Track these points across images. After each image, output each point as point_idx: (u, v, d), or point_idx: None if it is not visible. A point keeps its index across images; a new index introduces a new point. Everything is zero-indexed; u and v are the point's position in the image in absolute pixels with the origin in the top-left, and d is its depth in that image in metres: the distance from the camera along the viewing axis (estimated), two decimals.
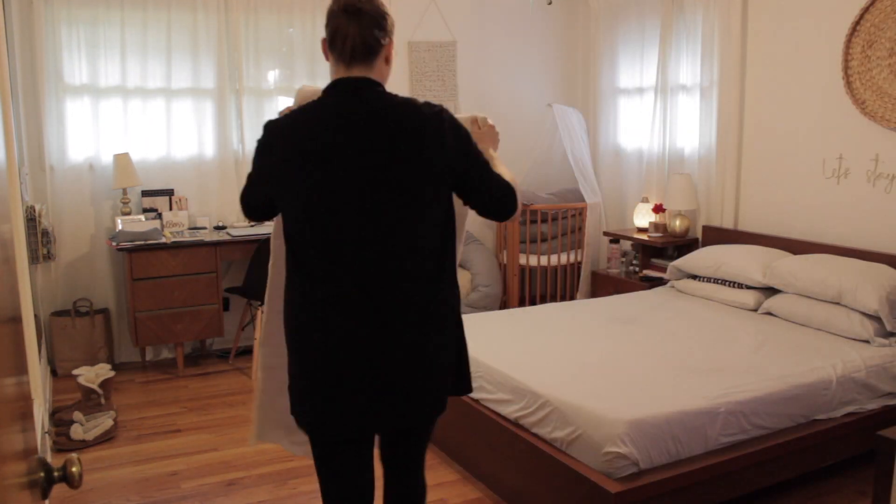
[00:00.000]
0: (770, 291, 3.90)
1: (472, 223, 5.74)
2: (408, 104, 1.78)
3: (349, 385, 1.78)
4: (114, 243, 4.33)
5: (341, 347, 1.77)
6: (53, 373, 4.47)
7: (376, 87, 1.80)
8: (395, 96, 1.80)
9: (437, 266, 1.83)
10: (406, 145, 1.74)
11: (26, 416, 1.11)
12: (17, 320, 1.14)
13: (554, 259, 5.32)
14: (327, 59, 1.85)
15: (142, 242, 4.32)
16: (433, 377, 1.86)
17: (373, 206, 1.74)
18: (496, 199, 1.85)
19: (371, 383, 1.78)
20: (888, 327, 3.34)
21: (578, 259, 5.42)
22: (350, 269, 1.75)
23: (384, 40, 1.80)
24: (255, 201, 1.91)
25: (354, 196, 1.73)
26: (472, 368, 3.17)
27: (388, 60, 1.85)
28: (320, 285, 1.78)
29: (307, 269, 1.79)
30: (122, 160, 4.51)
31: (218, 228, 4.81)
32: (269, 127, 1.86)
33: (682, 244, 4.88)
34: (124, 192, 4.59)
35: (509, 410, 2.93)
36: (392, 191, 1.74)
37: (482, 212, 1.89)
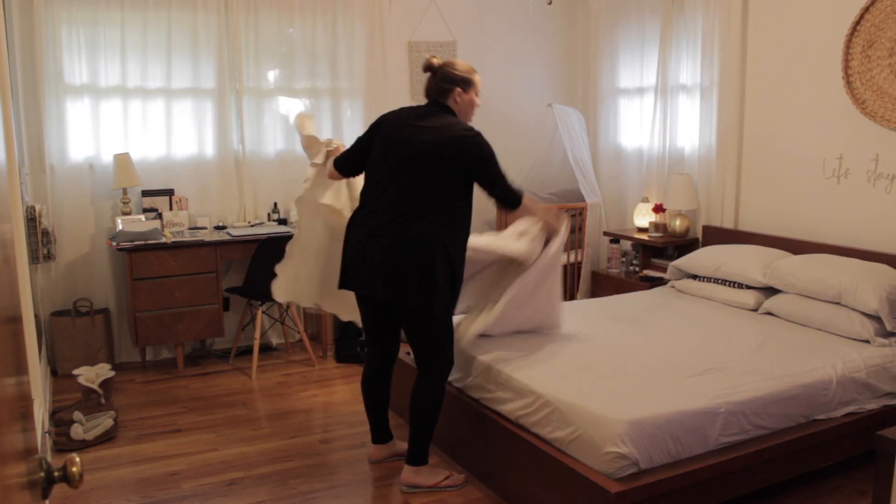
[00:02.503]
0: (770, 291, 3.90)
1: (472, 223, 5.74)
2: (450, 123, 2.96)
3: (356, 268, 2.93)
4: (114, 243, 4.33)
5: (351, 248, 2.96)
6: (53, 373, 4.48)
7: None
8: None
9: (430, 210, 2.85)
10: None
11: (26, 415, 1.11)
12: (17, 320, 1.14)
13: None
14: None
15: (142, 242, 4.31)
16: (400, 277, 2.81)
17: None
18: (503, 199, 2.99)
19: (365, 267, 2.89)
20: (888, 327, 3.34)
21: (579, 259, 5.42)
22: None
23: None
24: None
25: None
26: (472, 368, 3.18)
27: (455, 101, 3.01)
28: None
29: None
30: (122, 160, 4.51)
31: (218, 228, 4.81)
32: None
33: (682, 244, 4.88)
34: (124, 192, 4.59)
35: (510, 410, 2.94)
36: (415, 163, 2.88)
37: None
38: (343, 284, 3.03)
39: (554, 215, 3.25)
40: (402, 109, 3.05)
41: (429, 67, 3.01)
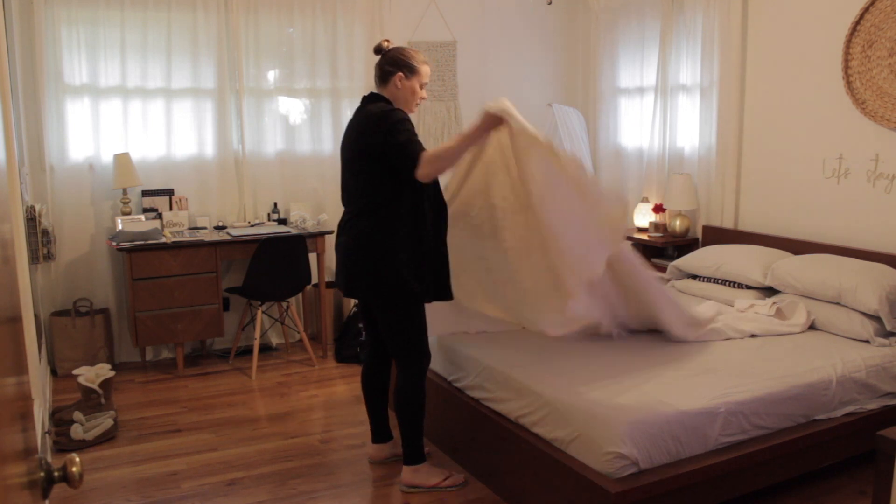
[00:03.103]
0: (770, 291, 3.90)
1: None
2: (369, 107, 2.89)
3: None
4: (114, 243, 4.33)
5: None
6: (53, 373, 4.48)
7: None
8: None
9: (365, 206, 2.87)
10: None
11: (26, 415, 1.11)
12: (17, 320, 1.14)
13: None
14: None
15: (142, 242, 4.31)
16: (354, 271, 2.92)
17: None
18: (399, 164, 2.77)
19: (339, 265, 3.00)
20: (888, 327, 3.34)
21: None
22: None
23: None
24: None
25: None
26: (472, 367, 3.18)
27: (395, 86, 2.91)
28: None
29: None
30: (122, 160, 4.51)
31: (218, 228, 4.81)
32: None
33: (682, 244, 4.88)
34: (124, 191, 4.59)
35: (509, 410, 2.93)
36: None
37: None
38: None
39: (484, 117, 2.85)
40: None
41: (378, 50, 2.96)
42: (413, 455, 3.04)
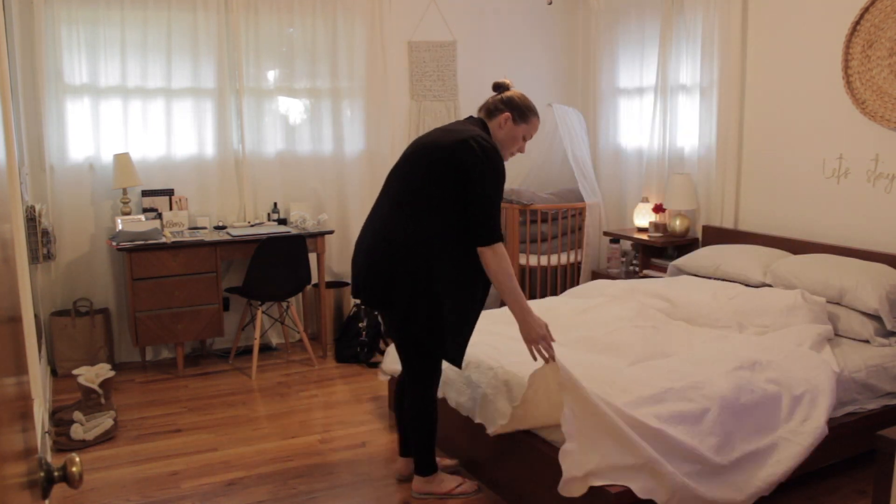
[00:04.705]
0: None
1: None
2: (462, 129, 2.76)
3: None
4: (114, 243, 4.33)
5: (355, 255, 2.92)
6: (53, 373, 4.47)
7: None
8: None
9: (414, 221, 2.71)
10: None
11: (26, 415, 1.11)
12: (17, 320, 1.14)
13: (554, 259, 5.32)
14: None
15: (142, 242, 4.31)
16: (376, 283, 2.77)
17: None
18: (471, 221, 2.64)
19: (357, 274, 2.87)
20: (888, 326, 3.34)
21: (578, 259, 5.42)
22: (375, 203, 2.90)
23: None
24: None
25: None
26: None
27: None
28: None
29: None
30: (122, 160, 4.51)
31: (218, 228, 4.81)
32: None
33: (682, 244, 4.88)
34: (124, 191, 4.59)
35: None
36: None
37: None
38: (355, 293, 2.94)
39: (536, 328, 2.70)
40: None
41: (498, 86, 2.86)
42: (423, 465, 2.98)
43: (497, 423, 2.85)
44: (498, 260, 2.64)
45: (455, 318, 2.73)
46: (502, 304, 3.85)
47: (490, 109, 2.83)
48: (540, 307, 3.96)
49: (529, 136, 2.87)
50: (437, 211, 2.66)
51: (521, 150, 2.90)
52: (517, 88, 2.88)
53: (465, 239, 2.67)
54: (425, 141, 2.77)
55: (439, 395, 3.09)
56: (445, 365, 3.00)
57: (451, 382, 3.20)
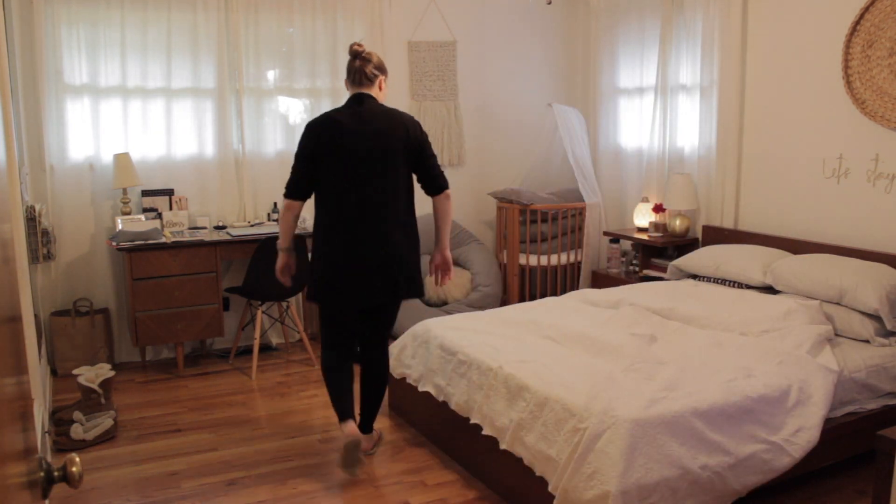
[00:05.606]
0: (770, 291, 3.90)
1: (472, 223, 5.75)
2: (392, 109, 3.14)
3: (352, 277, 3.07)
4: (114, 243, 4.33)
5: (343, 254, 3.06)
6: (53, 373, 4.47)
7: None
8: (382, 105, 3.12)
9: (407, 202, 3.11)
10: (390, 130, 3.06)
11: (26, 415, 1.11)
12: (17, 320, 1.14)
13: (554, 259, 5.32)
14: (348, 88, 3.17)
15: (142, 242, 4.31)
16: (411, 273, 3.12)
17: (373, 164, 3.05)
18: (434, 175, 3.15)
19: (362, 275, 3.05)
20: (888, 326, 3.34)
21: (578, 259, 5.42)
22: (356, 202, 3.02)
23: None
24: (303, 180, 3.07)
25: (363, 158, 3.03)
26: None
27: (380, 87, 3.16)
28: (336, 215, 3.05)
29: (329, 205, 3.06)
30: (122, 160, 4.51)
31: (218, 228, 4.81)
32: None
33: (682, 244, 4.88)
34: (124, 191, 4.59)
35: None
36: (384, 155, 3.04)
37: (421, 179, 3.17)
38: (324, 296, 3.12)
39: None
40: (333, 112, 3.11)
41: (358, 54, 3.11)
42: (371, 425, 3.39)
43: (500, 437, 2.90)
44: (449, 200, 3.21)
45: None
46: (503, 303, 3.85)
47: (369, 77, 3.11)
48: (540, 307, 3.96)
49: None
50: (407, 182, 3.14)
51: None
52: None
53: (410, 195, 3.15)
54: (377, 131, 3.03)
55: (429, 389, 3.38)
56: (440, 362, 3.34)
57: (452, 382, 3.21)
